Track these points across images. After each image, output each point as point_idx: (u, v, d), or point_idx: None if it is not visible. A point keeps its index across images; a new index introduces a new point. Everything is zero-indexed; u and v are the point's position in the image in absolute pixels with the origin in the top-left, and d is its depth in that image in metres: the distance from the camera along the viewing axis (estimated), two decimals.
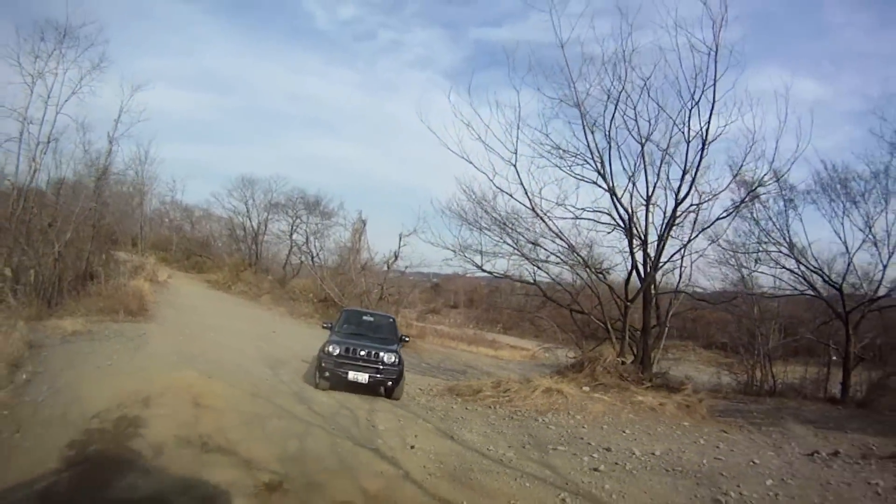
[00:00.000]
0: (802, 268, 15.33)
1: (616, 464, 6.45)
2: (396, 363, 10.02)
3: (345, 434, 6.42)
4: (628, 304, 11.61)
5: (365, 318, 11.88)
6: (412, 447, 6.29)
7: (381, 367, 9.80)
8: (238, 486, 4.18)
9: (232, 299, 22.09)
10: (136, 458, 4.56)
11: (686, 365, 22.64)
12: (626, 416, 9.22)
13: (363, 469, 5.13)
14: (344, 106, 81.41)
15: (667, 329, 12.82)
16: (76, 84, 13.50)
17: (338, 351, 9.75)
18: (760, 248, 15.37)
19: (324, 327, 11.50)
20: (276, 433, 5.89)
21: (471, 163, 11.64)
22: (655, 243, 11.79)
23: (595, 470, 6.13)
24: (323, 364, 9.65)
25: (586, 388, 10.44)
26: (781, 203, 14.60)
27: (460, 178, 14.78)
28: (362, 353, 9.86)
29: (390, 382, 9.84)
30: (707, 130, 10.94)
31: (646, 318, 11.99)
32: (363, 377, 9.63)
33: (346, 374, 9.59)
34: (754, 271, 15.93)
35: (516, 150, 11.47)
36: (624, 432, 8.19)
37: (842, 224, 13.94)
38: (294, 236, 26.43)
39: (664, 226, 11.57)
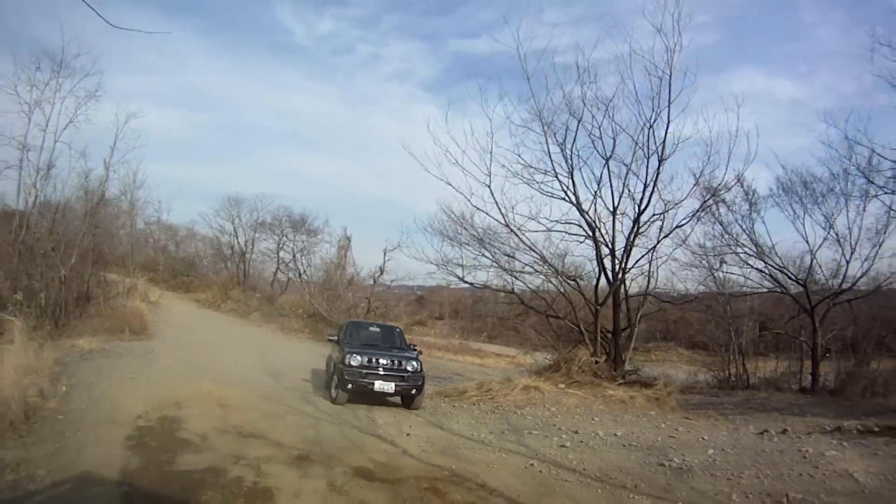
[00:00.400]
0: (769, 267, 17.07)
1: (581, 442, 7.80)
2: (420, 370, 10.15)
3: (350, 425, 7.73)
4: (598, 307, 13.03)
5: (371, 328, 12.00)
6: (408, 434, 7.58)
7: (406, 375, 9.89)
8: (275, 458, 5.42)
9: (223, 317, 23.15)
10: (187, 444, 5.78)
11: (668, 365, 24.20)
12: (596, 408, 10.56)
13: (370, 447, 6.42)
14: (325, 121, 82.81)
15: (636, 330, 14.16)
16: (73, 113, 14.62)
17: (360, 361, 9.73)
18: (729, 250, 17.04)
19: (329, 340, 11.66)
20: (293, 425, 7.17)
21: (450, 184, 13.04)
22: (623, 250, 13.29)
23: (562, 446, 7.47)
24: (346, 376, 9.55)
25: (562, 385, 11.77)
26: (746, 207, 16.35)
27: (440, 200, 16.31)
28: (385, 361, 9.93)
29: (414, 390, 9.92)
30: (662, 149, 12.49)
31: (616, 320, 13.39)
32: (389, 387, 9.70)
33: (372, 384, 9.61)
34: (724, 272, 17.59)
35: (490, 172, 12.88)
36: (593, 420, 9.53)
37: (803, 224, 15.70)
38: (281, 254, 27.65)
39: (629, 235, 13.08)
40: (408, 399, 10.04)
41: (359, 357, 9.75)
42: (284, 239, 27.31)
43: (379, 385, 9.61)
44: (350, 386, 9.52)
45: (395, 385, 9.74)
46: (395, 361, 10.02)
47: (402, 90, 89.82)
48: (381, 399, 9.93)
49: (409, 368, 10.00)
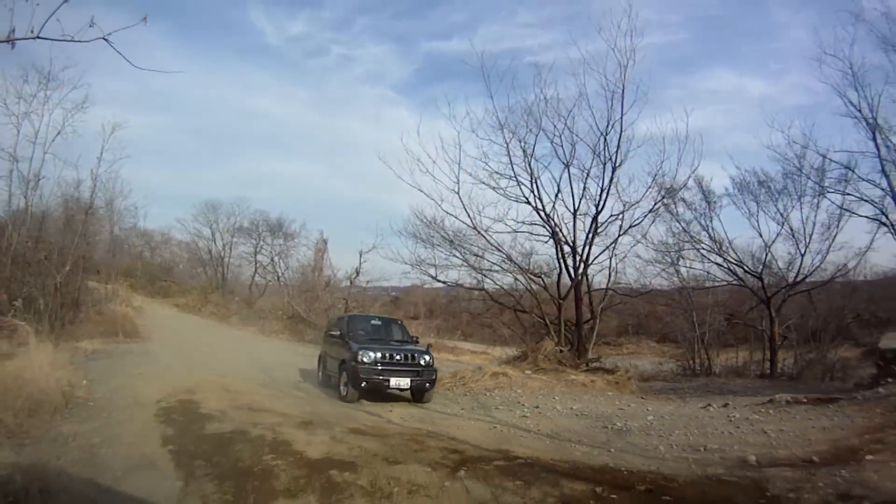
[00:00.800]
0: (727, 261, 18.94)
1: (540, 413, 9.34)
2: (432, 364, 10.06)
3: (340, 405, 9.18)
4: (561, 301, 14.69)
5: (373, 322, 11.90)
6: (391, 411, 9.05)
7: (420, 369, 9.80)
8: (285, 423, 6.83)
9: (203, 321, 24.27)
10: (209, 417, 7.14)
11: (638, 357, 26.08)
12: (559, 390, 12.10)
13: (360, 418, 7.90)
14: (298, 123, 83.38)
15: (598, 321, 15.89)
16: (61, 125, 15.72)
17: (373, 358, 9.50)
18: (688, 246, 18.85)
19: (330, 334, 11.36)
20: (293, 403, 8.61)
21: (422, 191, 14.60)
22: (583, 249, 14.98)
23: (523, 416, 9.01)
24: (360, 374, 9.32)
25: (528, 372, 13.34)
26: (704, 205, 18.20)
27: (413, 205, 17.86)
28: (398, 357, 9.75)
29: (428, 384, 9.85)
30: (616, 157, 14.22)
31: (578, 312, 15.08)
32: (405, 382, 9.58)
33: (387, 381, 9.43)
34: (687, 267, 19.37)
35: (458, 179, 14.49)
36: (554, 398, 11.07)
37: (757, 220, 17.48)
38: (258, 257, 28.80)
39: (587, 234, 14.78)
40: (419, 394, 9.97)
41: (371, 353, 9.52)
42: (262, 243, 28.51)
43: (395, 382, 9.49)
44: (364, 385, 9.34)
45: (411, 380, 9.64)
46: (409, 356, 9.87)
47: (374, 92, 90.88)
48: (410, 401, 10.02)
49: (422, 362, 9.89)
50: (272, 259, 27.95)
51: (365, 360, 9.42)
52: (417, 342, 11.43)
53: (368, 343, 10.13)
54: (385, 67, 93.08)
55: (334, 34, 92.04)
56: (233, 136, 78.61)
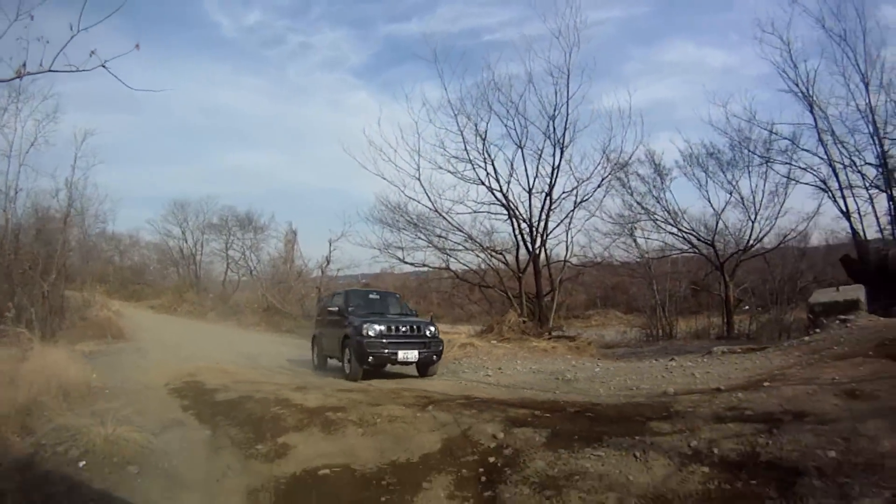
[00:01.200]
0: (681, 230, 20.78)
1: (501, 373, 10.96)
2: (437, 334, 10.19)
3: (326, 377, 10.69)
4: (521, 275, 16.38)
5: (371, 296, 11.99)
6: (370, 384, 10.58)
7: (427, 341, 9.86)
8: (283, 389, 8.29)
9: (181, 320, 25.35)
10: (216, 390, 8.52)
11: (606, 328, 27.93)
12: (521, 355, 13.72)
13: (346, 384, 9.42)
14: (259, 114, 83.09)
15: (558, 292, 17.62)
16: (34, 136, 16.57)
17: (378, 330, 9.47)
18: (644, 218, 20.59)
19: (329, 310, 11.33)
20: (285, 378, 10.07)
21: (385, 179, 16.10)
22: (539, 224, 16.64)
23: (486, 375, 10.63)
24: (366, 349, 9.26)
25: (493, 342, 15.02)
26: (657, 177, 19.96)
27: (378, 192, 19.30)
28: (404, 328, 9.75)
29: (435, 356, 9.92)
30: (563, 139, 15.88)
31: (538, 285, 16.80)
32: (413, 355, 9.58)
33: (395, 354, 9.43)
34: (646, 238, 21.15)
35: (419, 166, 16.00)
36: (516, 361, 12.68)
37: (707, 191, 19.20)
38: (230, 252, 29.83)
39: (540, 211, 16.45)
40: (425, 367, 10.01)
41: (377, 326, 9.50)
42: (232, 238, 29.53)
43: (402, 355, 9.48)
44: (371, 359, 9.32)
45: (419, 352, 9.65)
46: (414, 327, 9.92)
47: (333, 78, 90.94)
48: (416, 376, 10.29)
49: (427, 333, 10.01)
50: (244, 253, 29.09)
51: (370, 333, 9.42)
52: (417, 315, 11.60)
53: (370, 316, 10.10)
54: (343, 53, 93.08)
55: (291, 22, 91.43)
56: (195, 132, 78.16)
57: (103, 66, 3.85)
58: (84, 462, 5.09)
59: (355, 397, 7.46)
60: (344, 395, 7.62)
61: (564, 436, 5.26)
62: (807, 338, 10.11)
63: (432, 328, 10.16)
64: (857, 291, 11.22)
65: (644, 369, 10.19)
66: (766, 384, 6.89)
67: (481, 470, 4.74)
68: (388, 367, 10.24)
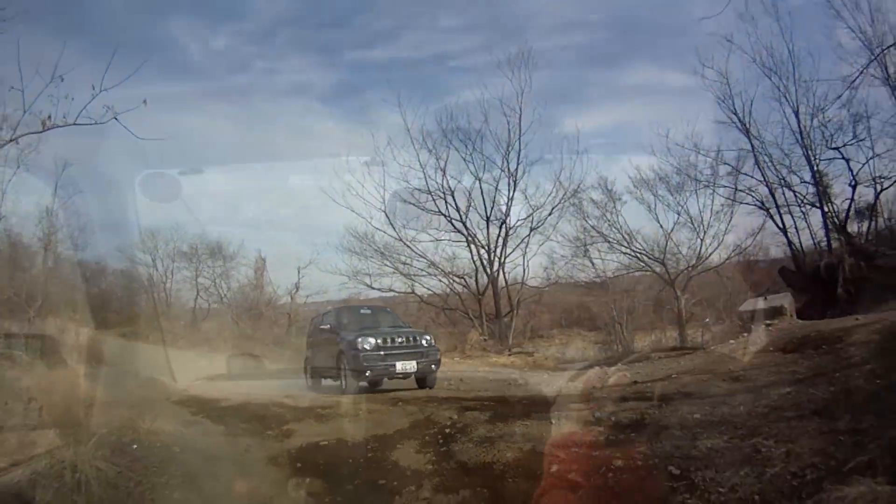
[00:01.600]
0: (634, 250, 22.85)
1: (462, 381, 12.76)
2: (434, 344, 10.38)
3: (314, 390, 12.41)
4: (480, 297, 18.38)
5: (363, 311, 12.06)
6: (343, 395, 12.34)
7: (424, 350, 10.01)
8: (275, 397, 10.00)
9: (153, 347, 26.29)
10: (217, 399, 10.16)
11: (569, 346, 29.69)
12: (483, 369, 15.65)
13: (329, 394, 11.16)
14: (225, 141, 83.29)
15: (516, 312, 19.62)
16: (15, 167, 17.76)
17: (373, 342, 9.53)
18: (598, 240, 22.56)
19: (321, 329, 11.45)
20: (274, 392, 11.69)
21: (354, 211, 17.93)
22: (497, 249, 18.71)
23: (449, 385, 12.50)
24: (363, 363, 9.33)
25: (457, 359, 16.89)
26: (609, 202, 22.04)
27: (346, 223, 20.71)
28: (399, 339, 9.85)
29: (434, 366, 10.11)
30: (516, 173, 18.07)
31: (497, 306, 18.82)
32: (411, 366, 9.66)
33: (393, 366, 9.51)
34: (603, 259, 22.96)
35: (384, 199, 17.90)
36: (477, 373, 14.61)
37: (656, 213, 21.19)
38: (200, 280, 30.82)
39: (497, 238, 18.52)
40: (423, 378, 10.26)
41: (372, 339, 9.56)
42: (202, 266, 30.49)
43: (401, 366, 9.56)
44: (368, 373, 9.42)
45: (417, 362, 9.77)
46: (409, 338, 10.03)
47: (299, 105, 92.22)
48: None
49: (423, 343, 10.14)
50: (214, 281, 30.07)
51: (366, 346, 9.49)
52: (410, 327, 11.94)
53: (364, 331, 10.18)
54: (309, 78, 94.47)
55: (257, 48, 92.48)
56: (163, 158, 77.91)
57: (115, 119, 5.10)
58: (136, 445, 6.75)
59: (339, 399, 9.27)
60: (329, 399, 9.42)
61: (503, 415, 7.22)
62: (732, 341, 11.81)
63: (427, 337, 10.47)
64: (783, 299, 12.99)
65: (588, 374, 12.07)
66: (673, 376, 8.82)
67: (439, 437, 6.66)
68: (386, 383, 10.67)
